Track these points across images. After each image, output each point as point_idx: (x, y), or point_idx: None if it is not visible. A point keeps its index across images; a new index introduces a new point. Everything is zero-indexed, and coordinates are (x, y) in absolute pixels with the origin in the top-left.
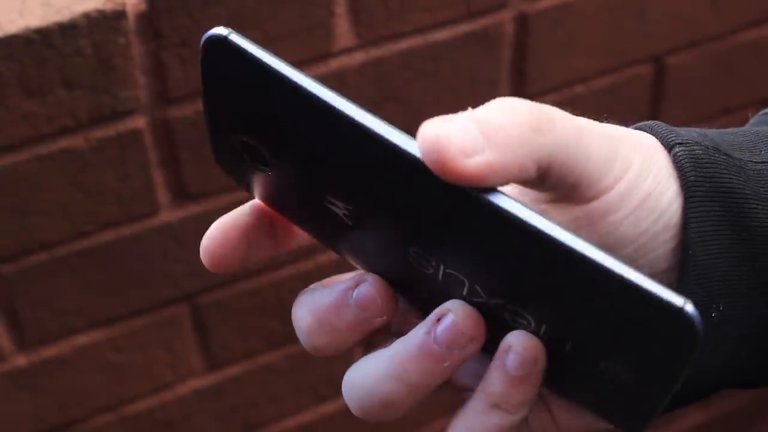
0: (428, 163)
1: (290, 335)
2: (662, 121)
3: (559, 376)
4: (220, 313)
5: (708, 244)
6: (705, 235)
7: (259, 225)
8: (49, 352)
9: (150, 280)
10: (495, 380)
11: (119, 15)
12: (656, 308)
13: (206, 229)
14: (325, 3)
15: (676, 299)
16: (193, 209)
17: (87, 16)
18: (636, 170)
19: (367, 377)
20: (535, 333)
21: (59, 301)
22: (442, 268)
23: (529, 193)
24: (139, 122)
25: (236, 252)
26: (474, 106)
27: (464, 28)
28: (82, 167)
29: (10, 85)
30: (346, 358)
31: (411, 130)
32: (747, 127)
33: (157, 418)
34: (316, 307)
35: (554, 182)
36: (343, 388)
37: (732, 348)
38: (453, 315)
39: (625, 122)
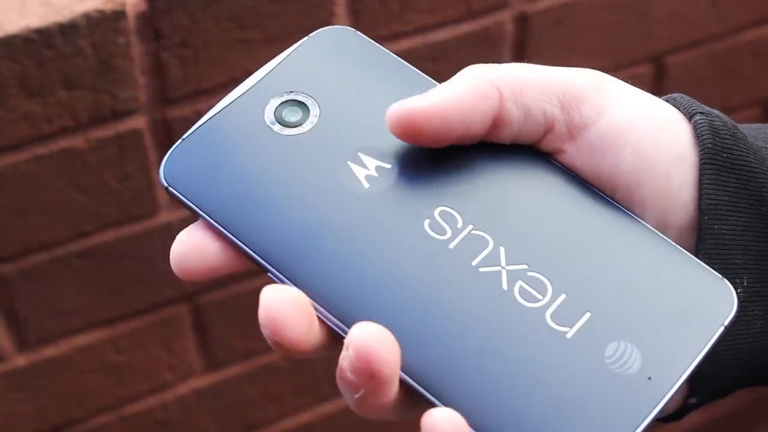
0: (392, 131)
1: None
2: None
3: (547, 374)
4: (220, 313)
5: (724, 214)
6: (720, 204)
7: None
8: (49, 352)
9: (150, 280)
10: None
11: (119, 15)
12: (696, 276)
13: None
14: (325, 3)
15: (718, 273)
16: None
17: (87, 16)
18: (637, 102)
19: None
20: (547, 306)
21: (59, 301)
22: (468, 228)
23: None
24: (139, 122)
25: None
26: None
27: (464, 28)
28: (82, 167)
29: (10, 85)
30: None
31: None
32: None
33: (157, 418)
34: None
35: (539, 109)
36: None
37: (762, 331)
38: (353, 346)
39: None
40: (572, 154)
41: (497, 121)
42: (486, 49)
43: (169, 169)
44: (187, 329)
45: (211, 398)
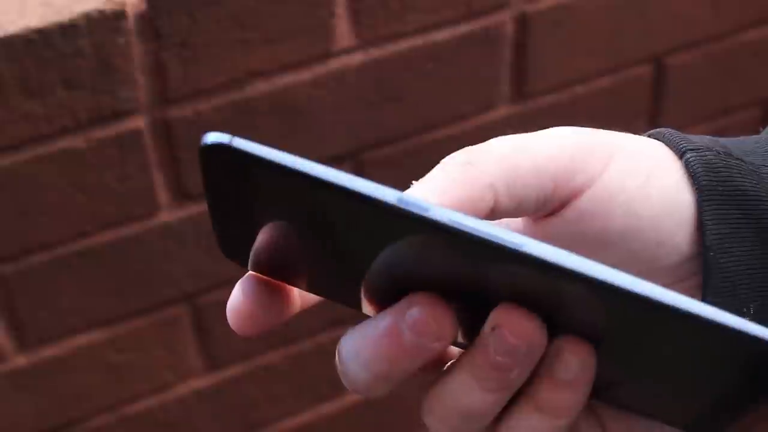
0: None
1: (290, 335)
2: (662, 121)
3: (615, 388)
4: (220, 313)
5: (729, 247)
6: (724, 238)
7: (266, 293)
8: (49, 352)
9: (150, 280)
10: (540, 384)
11: (119, 15)
12: (744, 342)
13: (206, 229)
14: (325, 3)
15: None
16: (193, 209)
17: (87, 17)
18: (630, 150)
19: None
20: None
21: (59, 301)
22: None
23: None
24: (139, 122)
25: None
26: (474, 106)
27: (464, 28)
28: (82, 167)
29: (10, 86)
30: None
31: (410, 130)
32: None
33: (157, 418)
34: (366, 342)
35: (541, 200)
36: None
37: None
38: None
39: (626, 123)
40: (557, 223)
41: (487, 216)
42: (486, 49)
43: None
44: (187, 329)
45: (211, 398)
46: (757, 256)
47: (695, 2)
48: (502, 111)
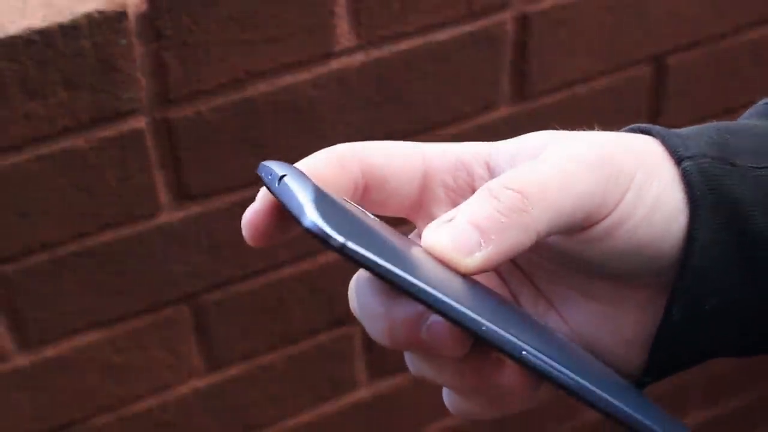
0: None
1: (290, 335)
2: (662, 121)
3: None
4: (220, 314)
5: (708, 252)
6: (705, 243)
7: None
8: (50, 352)
9: (150, 280)
10: None
11: (120, 16)
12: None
13: (207, 229)
14: (325, 3)
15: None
16: (194, 210)
17: (88, 17)
18: (640, 179)
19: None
20: None
21: (60, 301)
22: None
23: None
24: (140, 123)
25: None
26: (474, 106)
27: (465, 28)
28: (83, 168)
29: (11, 86)
30: (346, 358)
31: (411, 130)
32: (753, 119)
33: (157, 418)
34: (386, 310)
35: (565, 231)
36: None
37: (727, 331)
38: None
39: (626, 123)
40: (558, 241)
41: None
42: (486, 49)
43: None
44: (188, 330)
45: (211, 399)
46: (733, 258)
47: (695, 2)
48: (502, 111)
